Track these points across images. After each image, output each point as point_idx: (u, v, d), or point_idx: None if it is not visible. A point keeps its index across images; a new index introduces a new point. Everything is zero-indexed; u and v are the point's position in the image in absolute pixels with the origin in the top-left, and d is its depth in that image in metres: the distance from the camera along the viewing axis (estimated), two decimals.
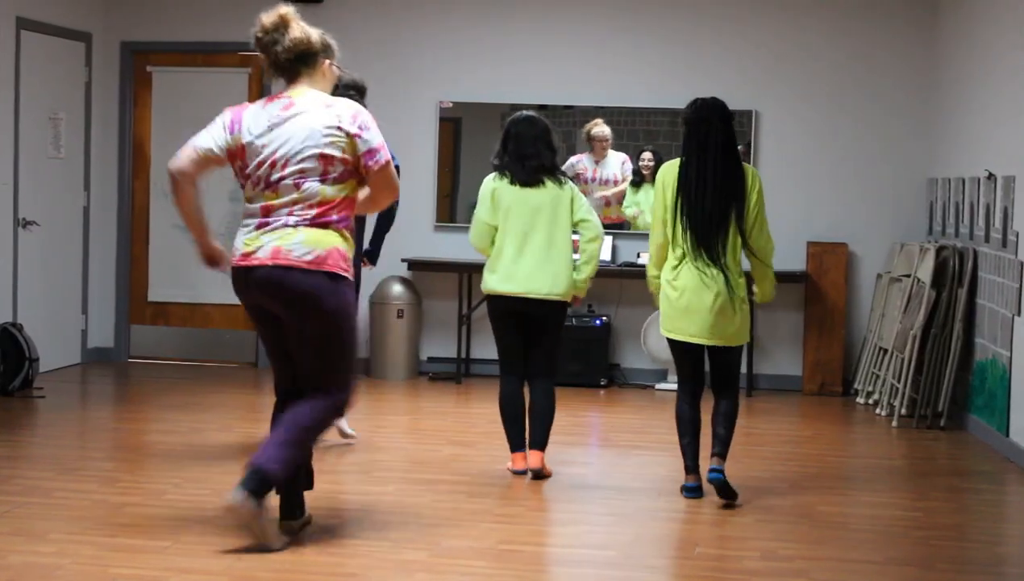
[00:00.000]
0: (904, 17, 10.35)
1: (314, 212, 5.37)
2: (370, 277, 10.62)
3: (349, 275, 5.44)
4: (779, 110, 10.47)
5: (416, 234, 10.62)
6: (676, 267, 6.47)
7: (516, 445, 6.98)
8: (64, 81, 10.50)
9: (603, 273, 10.24)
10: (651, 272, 6.67)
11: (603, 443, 8.26)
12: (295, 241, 5.35)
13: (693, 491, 6.58)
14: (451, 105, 10.62)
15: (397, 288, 10.42)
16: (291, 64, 5.48)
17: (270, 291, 5.40)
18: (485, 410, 8.87)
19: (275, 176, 5.38)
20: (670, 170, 6.55)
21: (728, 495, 6.48)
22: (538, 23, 10.57)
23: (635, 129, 10.56)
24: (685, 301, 6.45)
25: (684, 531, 6.18)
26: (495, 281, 6.91)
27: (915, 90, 10.34)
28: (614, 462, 7.59)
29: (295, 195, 5.37)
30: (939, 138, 10.03)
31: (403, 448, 7.75)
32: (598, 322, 10.23)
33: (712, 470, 6.47)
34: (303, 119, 5.39)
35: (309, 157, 5.36)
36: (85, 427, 8.57)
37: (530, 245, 6.86)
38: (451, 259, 10.49)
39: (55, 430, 8.20)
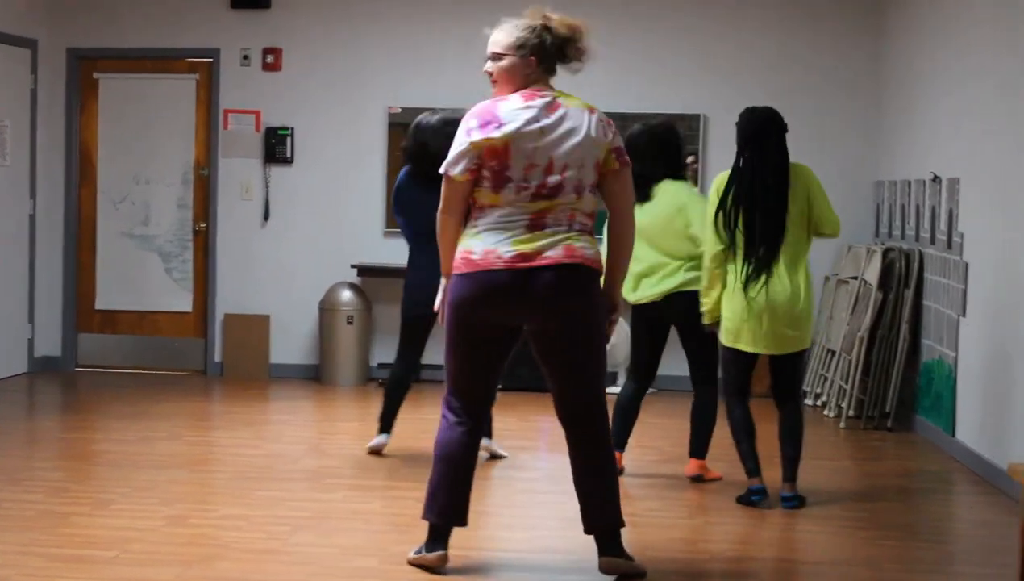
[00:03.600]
0: (850, 22, 10.43)
1: (591, 223, 5.24)
2: (319, 283, 10.62)
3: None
4: (728, 114, 10.45)
5: (365, 240, 10.61)
6: (745, 278, 6.48)
7: (616, 444, 7.22)
8: (9, 88, 10.40)
9: None
10: (706, 277, 6.70)
11: (554, 448, 8.26)
12: (582, 243, 5.15)
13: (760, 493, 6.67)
14: (400, 111, 10.60)
15: (347, 294, 10.40)
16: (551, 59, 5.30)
17: (552, 296, 5.12)
18: (435, 415, 8.86)
19: (552, 180, 5.12)
20: (724, 181, 6.61)
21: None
22: (486, 28, 10.55)
23: None
24: (754, 315, 6.49)
25: (634, 534, 6.18)
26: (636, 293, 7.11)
27: (861, 94, 10.42)
28: (565, 466, 7.58)
29: (572, 201, 5.15)
30: (885, 141, 10.11)
31: (353, 454, 7.73)
32: None
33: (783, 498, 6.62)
34: (576, 124, 5.16)
35: (588, 166, 5.16)
36: (32, 436, 8.49)
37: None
38: (400, 265, 10.42)
39: (1, 439, 8.12)
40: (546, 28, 5.28)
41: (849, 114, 10.46)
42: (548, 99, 5.20)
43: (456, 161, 5.16)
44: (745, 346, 6.56)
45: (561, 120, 5.15)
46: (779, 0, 10.50)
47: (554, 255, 5.09)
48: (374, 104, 10.71)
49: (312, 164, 10.78)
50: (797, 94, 10.44)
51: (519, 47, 5.28)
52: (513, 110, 5.17)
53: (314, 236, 10.77)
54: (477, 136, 5.14)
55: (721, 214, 6.53)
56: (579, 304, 5.15)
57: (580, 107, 5.21)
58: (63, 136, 10.95)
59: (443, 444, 5.37)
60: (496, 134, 5.12)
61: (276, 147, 10.70)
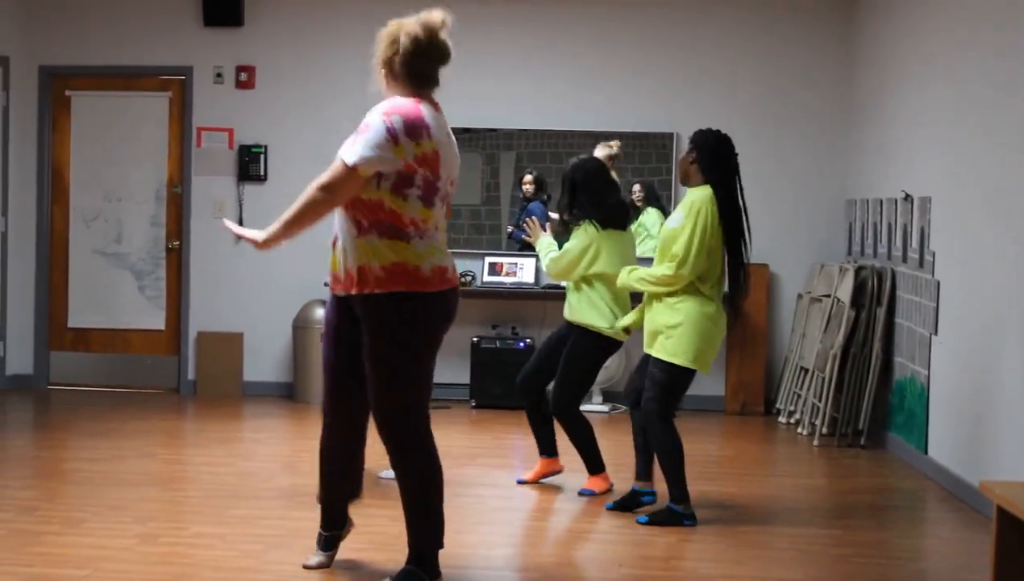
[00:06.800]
0: (822, 42, 10.49)
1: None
2: (293, 301, 10.60)
3: None
4: None
5: None
6: (713, 302, 6.55)
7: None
8: None
9: (527, 295, 10.27)
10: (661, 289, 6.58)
11: (526, 465, 8.25)
12: None
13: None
14: None
15: (320, 312, 10.38)
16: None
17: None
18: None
19: (443, 192, 5.35)
20: (712, 201, 6.47)
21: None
22: (454, 46, 10.56)
23: (558, 152, 10.59)
24: (719, 337, 6.63)
25: (607, 551, 6.19)
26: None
27: (834, 113, 10.48)
28: (537, 483, 7.59)
29: (443, 215, 5.40)
30: (857, 160, 10.15)
31: None
32: (522, 345, 10.24)
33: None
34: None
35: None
36: (4, 455, 8.43)
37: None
38: None
39: None
40: None
41: (822, 133, 10.51)
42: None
43: None
44: (705, 368, 6.62)
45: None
46: (751, 19, 10.55)
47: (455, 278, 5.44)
48: (347, 122, 10.63)
49: (286, 182, 10.74)
50: (770, 113, 10.50)
51: None
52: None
53: (288, 254, 10.64)
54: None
55: (714, 238, 6.47)
56: None
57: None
58: (35, 153, 10.91)
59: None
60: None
61: (250, 165, 10.69)
